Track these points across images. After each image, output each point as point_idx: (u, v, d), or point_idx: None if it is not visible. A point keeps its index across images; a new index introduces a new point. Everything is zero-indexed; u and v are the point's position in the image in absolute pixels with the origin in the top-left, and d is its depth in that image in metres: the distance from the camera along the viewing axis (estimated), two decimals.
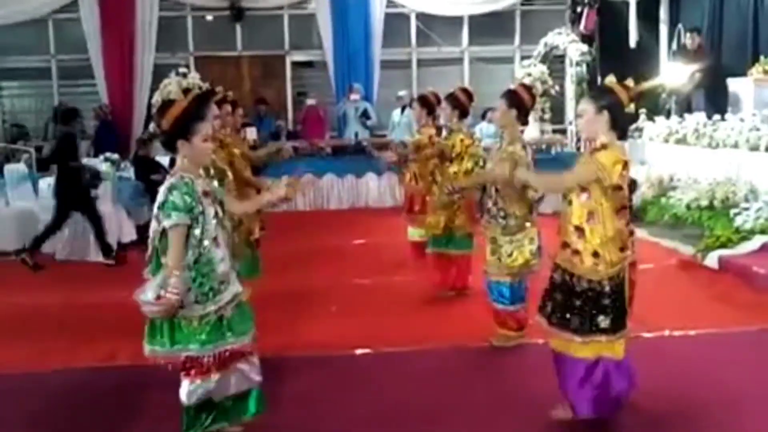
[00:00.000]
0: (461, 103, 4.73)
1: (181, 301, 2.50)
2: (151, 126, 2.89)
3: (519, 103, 3.74)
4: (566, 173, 2.87)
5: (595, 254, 2.76)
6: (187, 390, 2.67)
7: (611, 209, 2.76)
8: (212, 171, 3.48)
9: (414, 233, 5.64)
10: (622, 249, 2.78)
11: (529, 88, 3.97)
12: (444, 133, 5.04)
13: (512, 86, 3.94)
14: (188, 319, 2.58)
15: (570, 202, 2.83)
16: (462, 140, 4.65)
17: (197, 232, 2.55)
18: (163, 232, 2.53)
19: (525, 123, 3.93)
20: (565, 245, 2.84)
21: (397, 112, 10.05)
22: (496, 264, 3.82)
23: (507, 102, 3.75)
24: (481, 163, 4.63)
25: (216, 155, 3.77)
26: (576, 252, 2.80)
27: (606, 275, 2.76)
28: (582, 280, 2.79)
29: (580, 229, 2.79)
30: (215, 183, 2.87)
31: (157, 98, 9.48)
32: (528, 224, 3.77)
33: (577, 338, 2.81)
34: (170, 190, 2.53)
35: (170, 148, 2.66)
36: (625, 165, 2.76)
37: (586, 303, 2.79)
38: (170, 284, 2.46)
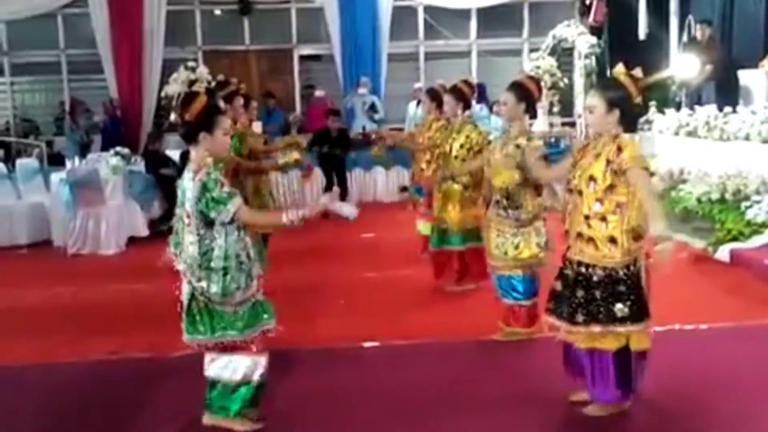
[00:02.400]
0: (464, 95, 4.72)
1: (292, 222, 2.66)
2: (172, 116, 2.93)
3: (526, 95, 3.71)
4: (648, 194, 2.76)
5: (612, 240, 2.75)
6: (228, 366, 2.78)
7: (636, 203, 2.74)
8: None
9: (424, 228, 5.66)
10: (637, 238, 2.76)
11: (535, 80, 3.93)
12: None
13: (519, 78, 3.90)
14: (224, 305, 2.69)
15: (580, 193, 2.82)
16: (480, 133, 4.65)
17: (230, 226, 2.67)
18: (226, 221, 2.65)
19: (533, 116, 3.90)
20: (579, 236, 2.83)
21: (412, 104, 10.02)
22: (502, 257, 3.80)
23: (514, 95, 3.71)
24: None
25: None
26: (590, 240, 2.79)
27: (621, 263, 2.75)
28: (597, 269, 2.79)
29: (594, 218, 2.78)
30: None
31: (167, 92, 9.57)
32: (538, 217, 3.76)
33: (596, 328, 2.79)
34: (205, 188, 2.62)
35: (190, 140, 2.69)
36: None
37: (604, 291, 2.78)
38: (292, 215, 2.67)
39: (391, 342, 3.97)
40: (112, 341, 4.13)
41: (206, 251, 2.65)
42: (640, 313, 2.79)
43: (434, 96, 5.41)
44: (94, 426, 3.14)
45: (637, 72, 2.85)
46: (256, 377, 2.79)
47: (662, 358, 3.51)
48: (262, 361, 2.79)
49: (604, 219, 2.77)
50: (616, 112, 2.78)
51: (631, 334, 2.81)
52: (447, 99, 4.81)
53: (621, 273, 2.77)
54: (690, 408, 3.05)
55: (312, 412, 3.10)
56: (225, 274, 2.66)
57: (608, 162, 2.76)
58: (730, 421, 2.93)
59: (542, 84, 4.13)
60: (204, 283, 2.67)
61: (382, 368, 3.64)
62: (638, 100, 2.80)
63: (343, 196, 7.99)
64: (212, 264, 2.65)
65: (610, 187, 2.75)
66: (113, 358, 3.91)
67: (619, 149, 2.75)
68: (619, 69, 2.89)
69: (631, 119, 2.88)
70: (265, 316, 2.79)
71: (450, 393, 3.28)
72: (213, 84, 9.54)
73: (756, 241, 5.37)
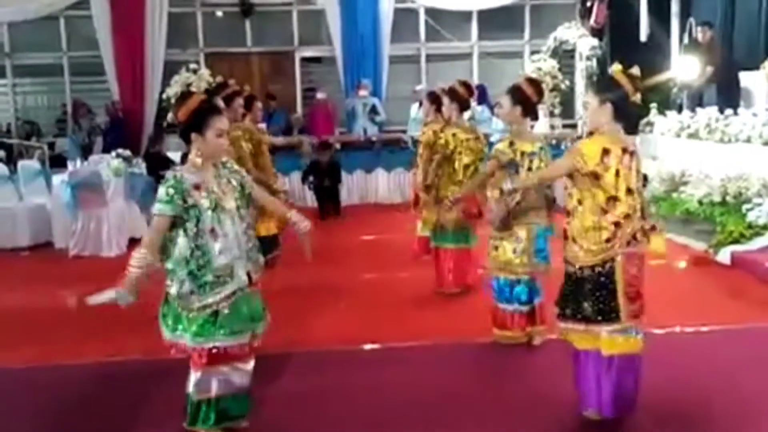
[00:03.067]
0: (459, 96, 4.70)
1: (142, 278, 2.58)
2: (169, 116, 2.93)
3: (523, 98, 3.69)
4: (542, 171, 2.87)
5: (574, 240, 2.79)
6: (191, 380, 2.75)
7: (595, 201, 2.73)
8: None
9: (423, 229, 5.67)
10: (608, 240, 2.72)
11: (535, 82, 3.87)
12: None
13: (517, 81, 3.87)
14: (188, 309, 2.65)
15: (570, 194, 2.83)
16: (455, 135, 4.63)
17: (190, 225, 2.60)
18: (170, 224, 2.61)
19: (534, 118, 3.89)
20: (565, 234, 2.87)
21: (414, 107, 10.03)
22: (489, 259, 3.84)
23: (511, 98, 3.71)
24: (483, 158, 4.63)
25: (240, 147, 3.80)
26: (566, 238, 2.84)
27: (585, 262, 2.75)
28: (569, 266, 2.82)
29: (569, 216, 2.82)
30: (239, 173, 2.82)
31: (168, 94, 9.59)
32: (518, 224, 3.67)
33: (571, 325, 2.82)
34: (161, 184, 2.64)
35: (185, 139, 2.69)
36: (606, 152, 2.69)
37: (576, 288, 2.80)
38: (133, 258, 2.59)
39: (391, 344, 3.97)
40: (112, 343, 4.13)
41: (166, 250, 2.64)
42: (605, 314, 2.75)
43: (434, 99, 5.38)
44: (93, 428, 3.14)
45: (635, 70, 2.84)
46: (212, 393, 2.72)
47: (663, 360, 3.51)
48: (211, 378, 2.71)
49: (570, 215, 2.81)
50: (608, 107, 2.76)
51: (602, 338, 2.78)
52: (444, 101, 4.82)
53: (586, 273, 2.76)
54: (691, 410, 3.05)
55: (311, 415, 3.10)
56: (180, 277, 2.62)
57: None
58: (731, 423, 2.93)
59: (543, 86, 4.08)
60: (168, 281, 2.68)
61: (383, 370, 3.63)
62: (636, 98, 2.77)
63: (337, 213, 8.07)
64: (168, 264, 2.64)
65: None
66: (113, 360, 3.92)
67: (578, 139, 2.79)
68: (616, 67, 2.89)
69: (628, 117, 2.83)
70: (221, 332, 2.64)
71: (450, 394, 3.28)
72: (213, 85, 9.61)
73: (757, 243, 5.37)
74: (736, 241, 5.45)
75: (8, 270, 6.47)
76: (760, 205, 5.76)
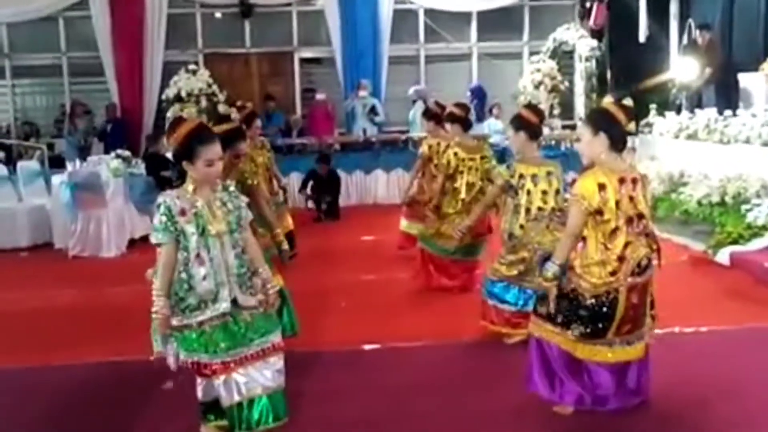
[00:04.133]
0: (457, 117, 4.89)
1: (167, 319, 2.62)
2: (164, 139, 2.90)
3: (525, 125, 3.82)
4: (566, 229, 2.89)
5: (577, 273, 2.82)
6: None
7: (598, 239, 2.77)
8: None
9: (409, 227, 5.84)
10: (613, 273, 2.76)
11: (534, 108, 4.06)
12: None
13: (519, 110, 4.01)
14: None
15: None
16: (456, 154, 4.73)
17: (182, 251, 2.62)
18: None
19: (536, 138, 3.94)
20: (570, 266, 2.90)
21: (414, 108, 10.07)
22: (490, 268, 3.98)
23: (514, 127, 3.85)
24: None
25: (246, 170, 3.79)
26: (570, 267, 2.86)
27: (588, 291, 2.79)
28: (577, 292, 2.85)
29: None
30: (239, 199, 2.80)
31: (167, 94, 9.58)
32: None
33: (550, 326, 2.90)
34: (155, 210, 2.66)
35: (178, 163, 2.70)
36: (602, 187, 2.72)
37: (570, 304, 2.85)
38: (155, 305, 2.60)
39: (390, 344, 3.97)
40: (112, 344, 4.13)
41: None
42: (592, 335, 2.84)
43: (431, 115, 5.57)
44: (94, 429, 3.14)
45: (627, 101, 2.87)
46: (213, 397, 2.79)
47: (662, 361, 3.51)
48: (208, 384, 2.76)
49: (573, 250, 2.84)
50: (602, 136, 2.78)
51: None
52: (446, 126, 5.05)
53: (588, 301, 2.80)
54: (690, 411, 3.05)
55: (310, 415, 3.10)
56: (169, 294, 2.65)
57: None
58: (730, 423, 2.93)
59: (540, 108, 4.50)
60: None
61: (382, 370, 3.64)
62: (630, 127, 2.80)
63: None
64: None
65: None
66: (114, 360, 3.91)
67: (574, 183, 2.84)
68: (607, 100, 2.98)
69: (622, 145, 2.84)
70: (202, 349, 2.66)
71: (450, 394, 3.28)
72: (212, 90, 9.59)
73: (756, 244, 5.37)
74: (734, 242, 5.46)
75: (8, 270, 6.47)
76: (759, 205, 5.77)
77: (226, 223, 2.68)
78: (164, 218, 2.60)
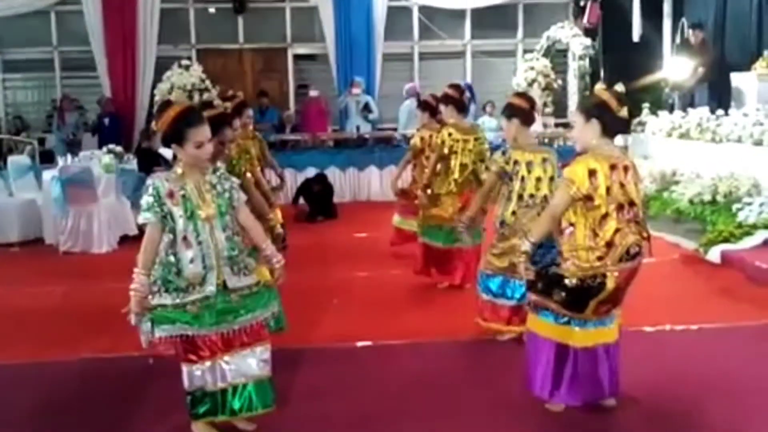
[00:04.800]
0: (452, 98, 4.82)
1: (145, 298, 2.65)
2: (153, 123, 2.89)
3: (517, 111, 3.81)
4: (547, 209, 2.91)
5: (567, 259, 2.82)
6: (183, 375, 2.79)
7: (587, 224, 2.77)
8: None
9: (402, 222, 5.87)
10: (600, 258, 2.76)
11: (524, 95, 4.05)
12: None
13: (508, 99, 3.97)
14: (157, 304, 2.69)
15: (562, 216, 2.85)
16: (450, 134, 4.70)
17: (166, 232, 2.65)
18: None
19: (529, 124, 3.92)
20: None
21: (404, 105, 10.07)
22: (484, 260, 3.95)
23: (506, 115, 3.83)
24: (483, 159, 4.73)
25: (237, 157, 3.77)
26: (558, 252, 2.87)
27: (574, 273, 2.79)
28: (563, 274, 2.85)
29: (560, 234, 2.86)
30: (230, 181, 2.80)
31: (160, 89, 9.53)
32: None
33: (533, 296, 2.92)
34: (143, 191, 2.69)
35: (167, 146, 2.73)
36: (593, 173, 2.72)
37: (551, 279, 2.86)
38: (133, 282, 2.62)
39: (384, 341, 3.97)
40: (104, 339, 4.11)
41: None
42: (573, 307, 2.85)
43: (426, 106, 5.54)
44: (86, 424, 3.13)
45: (619, 87, 2.88)
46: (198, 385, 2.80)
47: (653, 358, 3.54)
48: (193, 371, 2.77)
49: (560, 234, 2.84)
50: (595, 123, 2.79)
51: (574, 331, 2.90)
52: (441, 108, 4.99)
53: (574, 280, 2.80)
54: (680, 408, 3.06)
55: (303, 412, 3.10)
56: (154, 278, 2.67)
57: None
58: (720, 421, 2.95)
59: (530, 94, 4.35)
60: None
61: (375, 367, 3.63)
62: (623, 113, 2.79)
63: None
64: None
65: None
66: (105, 356, 3.90)
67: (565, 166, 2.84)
68: (599, 86, 2.98)
69: (616, 132, 2.85)
70: (187, 323, 2.68)
71: (444, 392, 3.29)
72: (204, 86, 9.55)
73: (747, 242, 5.41)
74: (726, 241, 5.49)
75: None
76: (750, 204, 5.81)
77: (216, 206, 2.69)
78: (151, 199, 2.64)
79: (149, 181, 2.70)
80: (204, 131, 2.67)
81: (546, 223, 2.87)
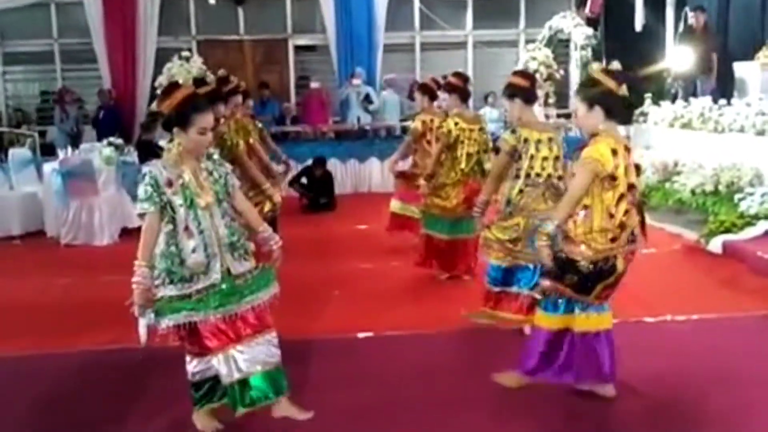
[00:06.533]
0: (456, 87, 4.78)
1: (148, 290, 2.60)
2: (153, 104, 2.88)
3: (519, 90, 3.75)
4: (571, 191, 2.86)
5: (582, 243, 2.81)
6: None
7: (604, 205, 2.78)
8: (222, 149, 3.49)
9: (403, 209, 5.80)
10: (613, 239, 2.80)
11: (524, 73, 3.97)
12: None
13: (508, 79, 3.90)
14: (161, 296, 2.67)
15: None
16: (457, 124, 4.68)
17: (166, 222, 2.61)
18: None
19: (532, 102, 3.87)
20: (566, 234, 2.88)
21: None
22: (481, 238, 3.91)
23: (507, 96, 3.78)
24: (487, 149, 4.74)
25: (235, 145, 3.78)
26: (567, 237, 2.85)
27: (587, 258, 2.80)
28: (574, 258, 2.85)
29: (571, 216, 2.84)
30: (224, 167, 2.80)
31: (160, 81, 9.51)
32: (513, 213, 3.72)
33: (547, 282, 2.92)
34: (140, 181, 2.63)
35: (168, 129, 2.69)
36: (615, 153, 2.74)
37: (564, 263, 2.86)
38: (135, 275, 2.58)
39: (385, 333, 3.98)
40: (105, 332, 4.11)
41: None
42: (582, 292, 2.87)
43: (426, 90, 5.50)
44: (88, 417, 3.13)
45: (615, 65, 2.87)
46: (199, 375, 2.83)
47: (654, 349, 3.53)
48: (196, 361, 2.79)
49: (571, 217, 2.83)
50: (598, 109, 2.78)
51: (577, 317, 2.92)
52: (442, 95, 4.97)
53: (591, 266, 2.80)
54: (681, 398, 3.07)
55: (305, 403, 3.10)
56: (158, 271, 2.65)
57: None
58: (721, 411, 2.95)
59: (529, 71, 4.21)
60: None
61: (377, 359, 3.64)
62: (622, 90, 2.78)
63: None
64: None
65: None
66: (107, 348, 3.90)
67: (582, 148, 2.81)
68: (594, 66, 2.94)
69: (621, 112, 2.85)
70: (197, 313, 2.67)
71: (445, 383, 3.29)
72: (209, 76, 9.52)
73: (749, 232, 5.39)
74: (727, 231, 5.47)
75: (0, 258, 6.44)
76: (752, 194, 5.79)
77: (214, 193, 2.68)
78: (150, 188, 2.59)
79: (145, 170, 2.64)
80: (209, 118, 2.68)
81: (569, 206, 2.84)
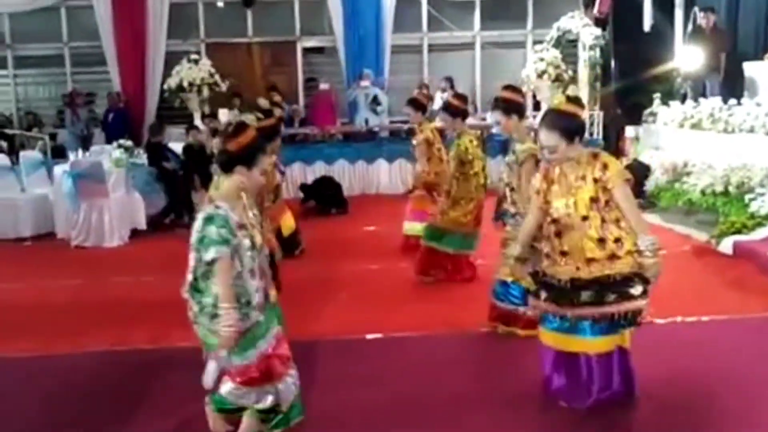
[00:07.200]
0: (457, 108, 4.89)
1: (238, 332, 2.54)
2: (223, 141, 2.81)
3: (515, 107, 3.81)
4: (630, 207, 2.81)
5: (629, 252, 2.80)
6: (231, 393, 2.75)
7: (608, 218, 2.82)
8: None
9: (411, 229, 5.78)
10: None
11: (514, 88, 4.01)
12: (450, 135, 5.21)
13: (501, 94, 3.91)
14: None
15: (584, 218, 2.77)
16: (471, 141, 4.79)
17: (236, 264, 2.57)
18: (207, 263, 2.54)
19: (522, 117, 3.89)
20: (590, 261, 2.81)
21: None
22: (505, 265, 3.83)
23: (503, 111, 3.80)
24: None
25: None
26: (613, 256, 2.79)
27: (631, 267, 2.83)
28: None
29: (609, 240, 2.77)
30: (252, 211, 2.81)
31: (169, 84, 9.56)
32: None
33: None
34: (206, 222, 2.54)
35: (227, 170, 2.64)
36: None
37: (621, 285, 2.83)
38: (223, 320, 2.51)
39: (393, 334, 3.98)
40: (115, 333, 4.15)
41: (202, 287, 2.59)
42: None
43: (418, 105, 5.68)
44: (97, 417, 3.15)
45: (571, 91, 2.92)
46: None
47: (664, 350, 3.51)
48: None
49: (618, 240, 2.78)
50: (577, 140, 2.81)
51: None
52: (442, 116, 5.02)
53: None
54: (692, 399, 3.05)
55: (313, 403, 3.11)
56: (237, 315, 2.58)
57: (596, 180, 2.77)
58: (732, 412, 2.93)
59: (517, 85, 4.50)
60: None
61: (384, 360, 3.64)
62: (584, 116, 2.88)
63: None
64: (209, 299, 2.59)
65: (607, 204, 2.78)
66: (116, 349, 3.93)
67: (605, 167, 2.77)
68: (558, 99, 3.02)
69: (582, 132, 2.88)
70: (262, 341, 2.68)
71: (452, 384, 3.29)
72: (214, 80, 9.57)
73: (759, 233, 5.36)
74: (738, 232, 5.44)
75: (11, 260, 6.50)
76: (762, 195, 5.75)
77: (259, 233, 2.71)
78: (224, 231, 2.52)
79: (211, 211, 2.55)
80: (270, 159, 2.82)
81: (642, 219, 2.87)
